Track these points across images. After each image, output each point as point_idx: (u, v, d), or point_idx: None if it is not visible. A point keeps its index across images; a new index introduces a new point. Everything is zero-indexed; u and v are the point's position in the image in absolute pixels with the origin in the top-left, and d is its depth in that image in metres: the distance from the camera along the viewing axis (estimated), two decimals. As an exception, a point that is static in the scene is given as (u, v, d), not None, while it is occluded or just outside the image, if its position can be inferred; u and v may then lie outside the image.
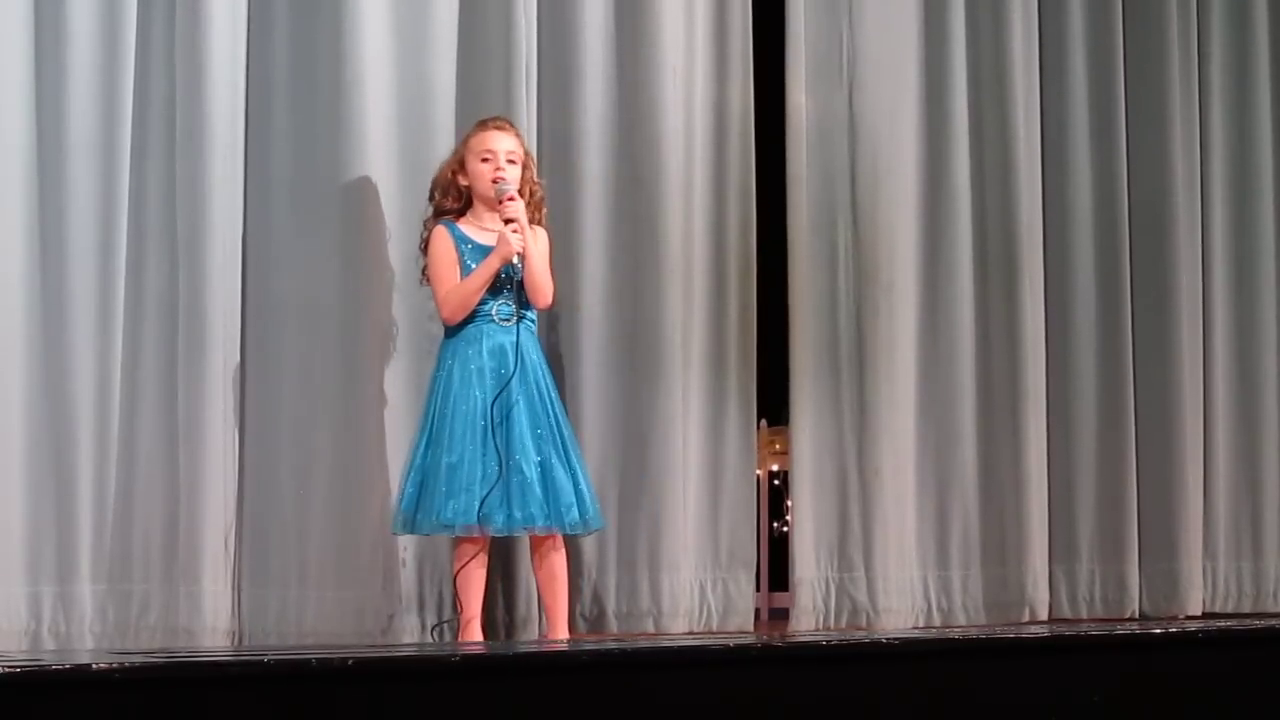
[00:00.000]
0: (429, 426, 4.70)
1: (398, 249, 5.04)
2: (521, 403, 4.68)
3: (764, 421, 5.69)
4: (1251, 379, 6.32)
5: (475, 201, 4.82)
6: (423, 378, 5.00)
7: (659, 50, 5.46)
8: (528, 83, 5.25)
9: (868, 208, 5.76)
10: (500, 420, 4.64)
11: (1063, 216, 6.10)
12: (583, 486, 4.72)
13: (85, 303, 4.76)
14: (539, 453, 4.66)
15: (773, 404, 5.82)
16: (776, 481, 6.35)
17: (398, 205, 5.06)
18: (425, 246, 4.84)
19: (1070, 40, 6.14)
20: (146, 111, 4.87)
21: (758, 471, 5.75)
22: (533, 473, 4.64)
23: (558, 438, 4.71)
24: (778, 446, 6.22)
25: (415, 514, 4.67)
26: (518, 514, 4.63)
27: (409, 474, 4.70)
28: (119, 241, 4.81)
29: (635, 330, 5.37)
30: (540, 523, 4.65)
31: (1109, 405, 6.07)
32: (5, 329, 4.67)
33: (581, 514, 4.71)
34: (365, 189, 5.02)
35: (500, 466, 4.59)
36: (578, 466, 4.73)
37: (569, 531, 4.76)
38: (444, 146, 5.12)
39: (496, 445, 4.61)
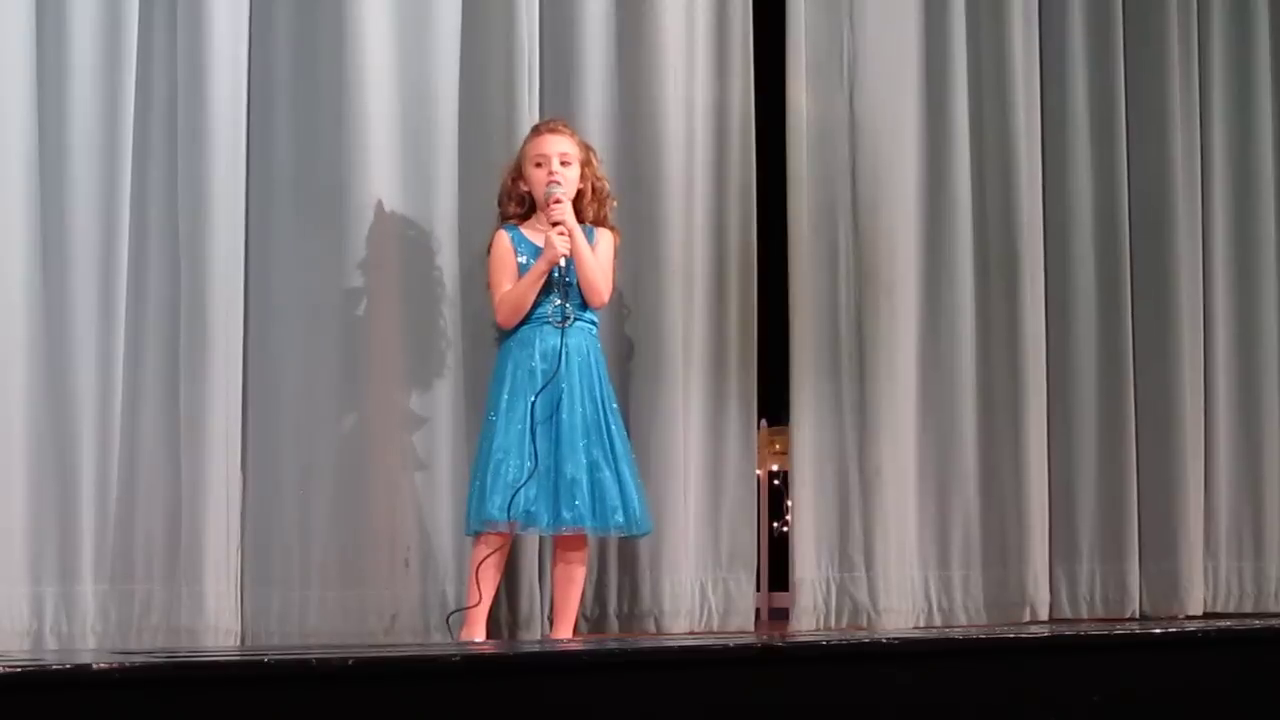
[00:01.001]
0: (486, 428, 4.73)
1: (400, 247, 5.04)
2: (571, 403, 4.69)
3: (764, 422, 5.69)
4: (1252, 379, 6.32)
5: (537, 205, 4.84)
6: (424, 376, 5.01)
7: (660, 51, 5.46)
8: (529, 83, 5.25)
9: (868, 208, 5.76)
10: (544, 419, 4.66)
11: (1063, 217, 6.10)
12: (630, 489, 4.73)
13: (87, 302, 4.77)
14: (588, 454, 4.68)
15: (772, 404, 5.82)
16: (776, 481, 6.35)
17: (400, 204, 5.06)
18: (490, 251, 4.86)
19: (1071, 40, 6.14)
20: (148, 111, 4.87)
21: (757, 472, 5.75)
22: (580, 474, 4.66)
23: (606, 440, 4.72)
24: (777, 447, 6.22)
25: (472, 514, 4.70)
26: (566, 514, 4.65)
27: (472, 476, 4.73)
28: (121, 241, 4.81)
29: (636, 330, 5.37)
30: (588, 523, 4.68)
31: (1109, 405, 6.07)
32: (7, 328, 4.67)
33: (628, 517, 4.72)
34: (367, 188, 5.02)
35: (538, 465, 4.61)
36: (626, 469, 4.74)
37: (614, 533, 4.80)
38: (446, 146, 5.13)
39: (535, 444, 4.62)
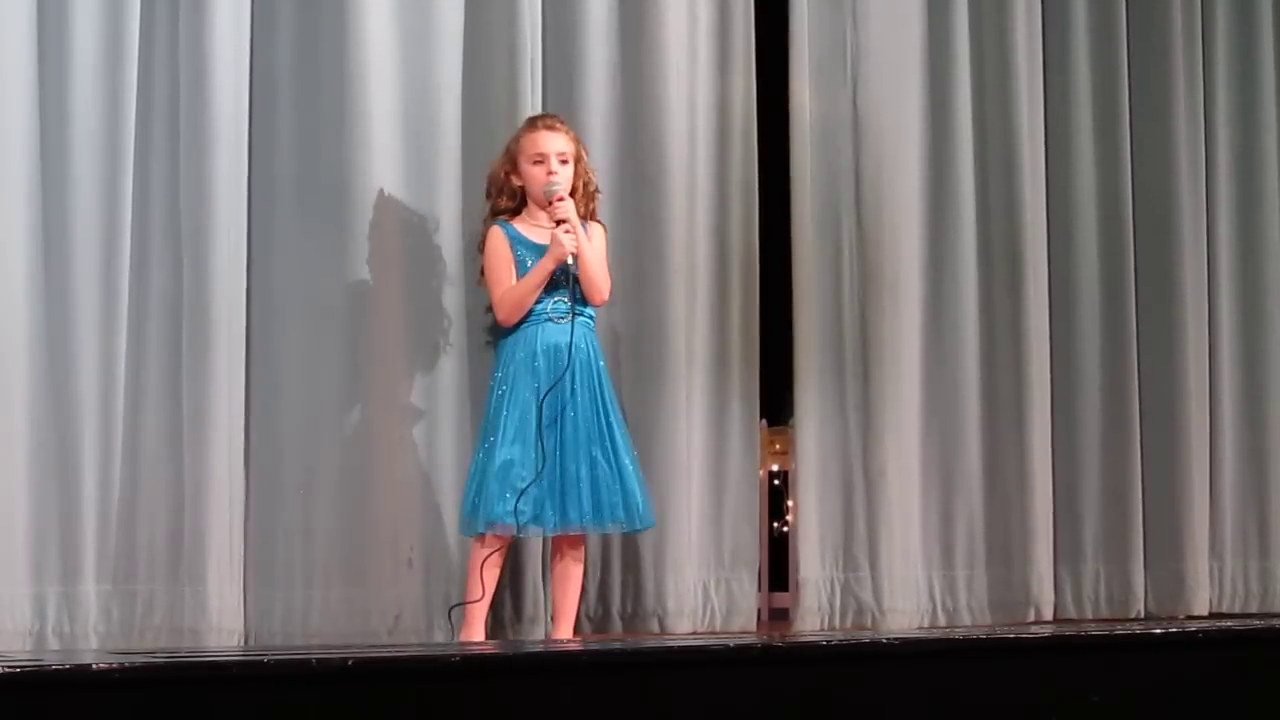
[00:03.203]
0: (486, 427, 4.73)
1: (402, 246, 5.04)
2: (575, 401, 4.69)
3: (764, 421, 5.68)
4: (1257, 377, 6.31)
5: (529, 200, 4.84)
6: (428, 375, 5.01)
7: (663, 49, 5.46)
8: (532, 82, 5.25)
9: (871, 206, 5.76)
10: (552, 419, 4.66)
11: (1067, 214, 6.09)
12: (632, 484, 4.74)
13: (89, 301, 4.77)
14: (589, 452, 4.68)
15: (773, 404, 5.81)
16: (776, 481, 6.34)
17: (403, 202, 5.06)
18: (482, 247, 4.86)
19: (1074, 37, 6.13)
20: (150, 109, 4.87)
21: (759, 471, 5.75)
22: (584, 471, 4.66)
23: (607, 435, 4.72)
24: (778, 446, 6.21)
25: (475, 514, 4.69)
26: (573, 514, 4.66)
27: (471, 474, 4.73)
28: (123, 240, 4.81)
29: (638, 329, 5.37)
30: (591, 521, 4.69)
31: (1114, 404, 6.06)
32: (9, 328, 4.67)
33: (629, 513, 4.72)
34: (370, 186, 5.03)
35: (544, 465, 4.61)
36: (628, 464, 4.74)
37: (613, 530, 4.80)
38: (449, 144, 5.13)
39: (543, 444, 4.62)
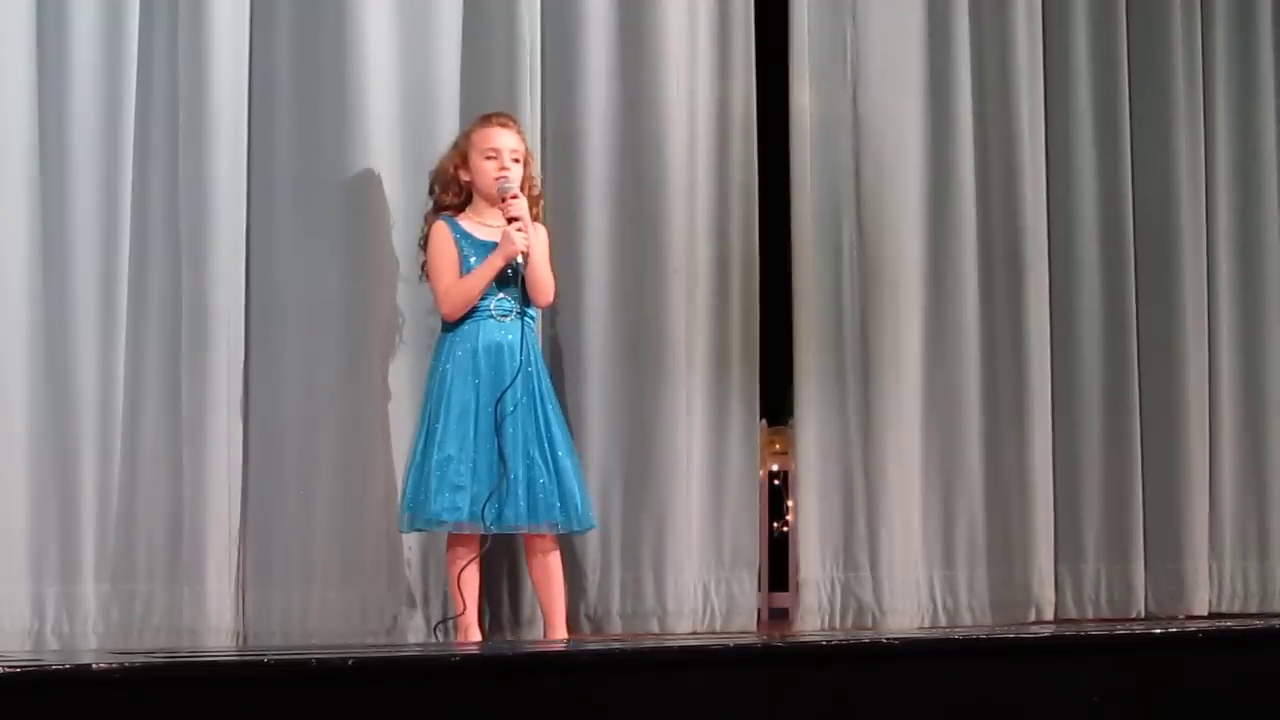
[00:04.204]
0: (425, 423, 4.72)
1: (401, 246, 5.04)
2: (515, 399, 4.68)
3: (763, 421, 5.68)
4: (1257, 378, 6.31)
5: (475, 197, 4.83)
6: (426, 376, 5.00)
7: (662, 49, 5.46)
8: (531, 81, 5.25)
9: (872, 207, 5.76)
10: (502, 419, 4.65)
11: (1067, 216, 6.09)
12: (571, 485, 4.71)
13: (88, 301, 4.76)
14: (527, 452, 4.66)
15: (772, 404, 5.81)
16: (776, 481, 6.35)
17: (401, 202, 5.06)
18: (425, 242, 4.84)
19: (1074, 39, 6.13)
20: (149, 109, 4.87)
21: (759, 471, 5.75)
22: (520, 471, 4.64)
23: (545, 436, 4.70)
24: (777, 446, 6.21)
25: (413, 511, 4.68)
26: (508, 512, 4.63)
27: (409, 471, 4.72)
28: (122, 239, 4.81)
29: (638, 330, 5.37)
30: (525, 521, 4.66)
31: (1114, 405, 6.06)
32: (8, 328, 4.67)
33: (565, 513, 4.70)
34: (369, 186, 5.02)
35: (483, 464, 4.60)
36: (567, 464, 4.72)
37: (552, 530, 4.75)
38: (447, 144, 5.11)
39: (501, 444, 4.61)
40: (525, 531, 4.73)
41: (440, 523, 4.65)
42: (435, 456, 4.63)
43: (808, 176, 5.69)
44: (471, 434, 4.64)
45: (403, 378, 5.03)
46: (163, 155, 4.87)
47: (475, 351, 4.71)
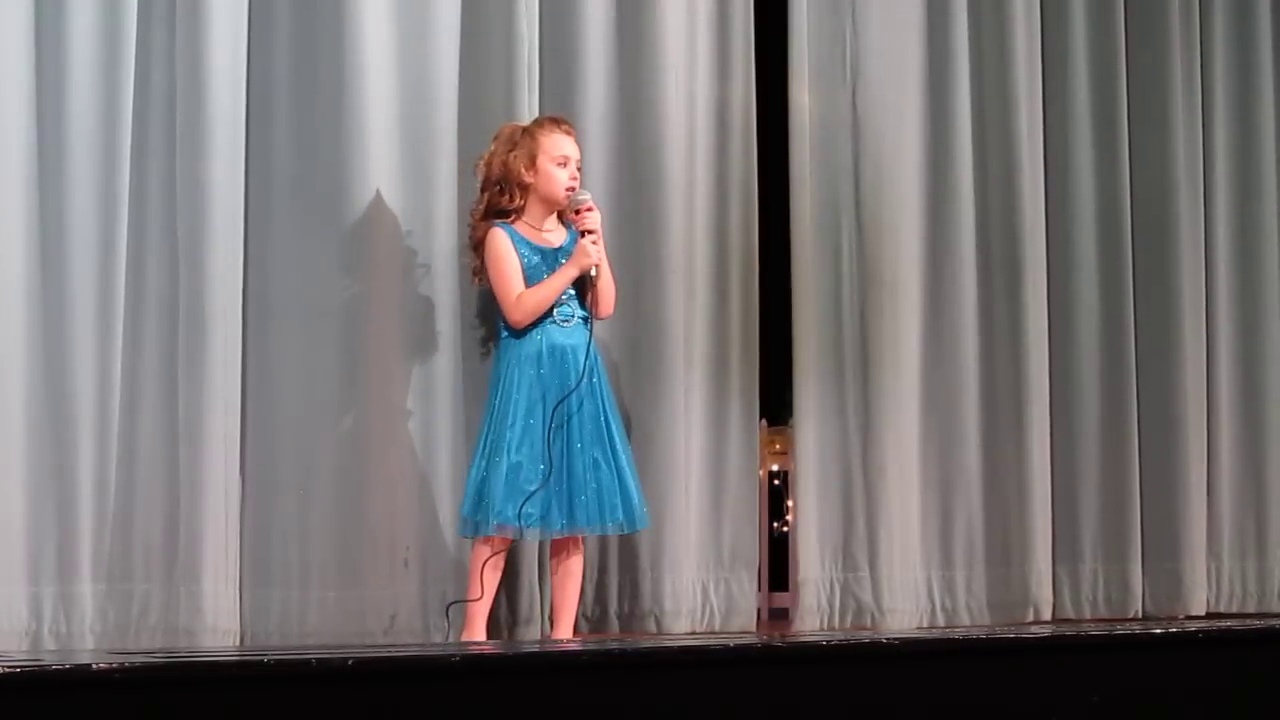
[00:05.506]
0: (490, 428, 4.72)
1: (399, 248, 5.03)
2: (580, 404, 4.70)
3: (763, 421, 5.69)
4: (1255, 378, 6.31)
5: (532, 202, 4.82)
6: (423, 376, 5.00)
7: (661, 50, 5.45)
8: (529, 83, 5.25)
9: (871, 207, 5.76)
10: (561, 424, 4.66)
11: (1066, 216, 6.09)
12: (630, 486, 4.75)
13: (86, 302, 4.76)
14: (590, 455, 4.69)
15: (772, 404, 5.81)
16: (776, 481, 6.35)
17: (399, 204, 5.05)
18: (479, 245, 4.82)
19: (1073, 39, 6.14)
20: (147, 110, 4.86)
21: (758, 471, 5.75)
22: (588, 474, 4.68)
23: (607, 438, 4.73)
24: (777, 447, 6.22)
25: (476, 516, 4.68)
26: (579, 516, 4.67)
27: (472, 475, 4.72)
28: (119, 241, 4.80)
29: (638, 330, 5.36)
30: (595, 523, 4.71)
31: (1112, 404, 6.06)
32: (5, 328, 4.66)
33: (627, 513, 4.74)
34: (367, 188, 5.02)
35: (552, 469, 4.62)
36: (625, 465, 4.76)
37: (617, 530, 4.81)
38: (446, 146, 5.12)
39: (550, 448, 4.63)
40: (593, 533, 4.78)
41: (513, 528, 4.65)
42: (505, 464, 4.64)
43: (807, 176, 5.69)
44: (539, 439, 4.66)
45: (400, 378, 5.03)
46: (160, 155, 4.86)
47: (539, 356, 4.72)
